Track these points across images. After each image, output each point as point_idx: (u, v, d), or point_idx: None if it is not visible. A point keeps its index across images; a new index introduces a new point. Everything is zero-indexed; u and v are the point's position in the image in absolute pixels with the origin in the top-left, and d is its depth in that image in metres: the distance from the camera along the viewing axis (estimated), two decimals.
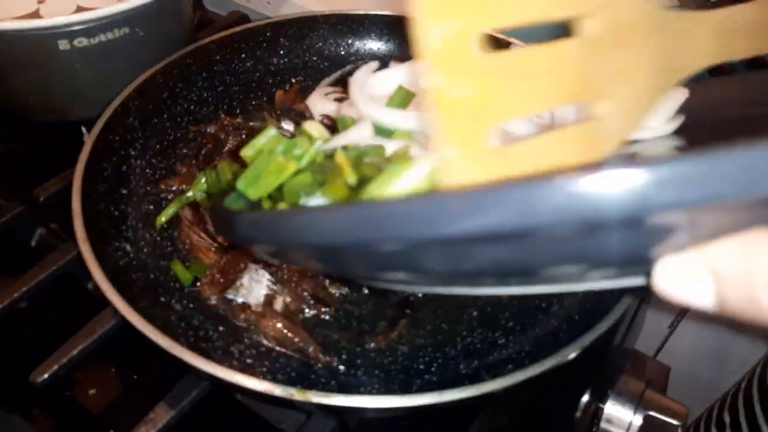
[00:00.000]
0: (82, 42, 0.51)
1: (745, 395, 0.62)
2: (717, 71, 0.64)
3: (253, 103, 0.59)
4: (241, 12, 0.74)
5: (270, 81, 0.60)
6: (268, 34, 0.59)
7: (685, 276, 0.19)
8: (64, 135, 0.58)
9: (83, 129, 0.57)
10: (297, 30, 0.60)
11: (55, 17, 0.50)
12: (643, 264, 0.20)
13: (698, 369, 0.89)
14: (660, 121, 0.41)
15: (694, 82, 0.48)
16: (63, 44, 0.51)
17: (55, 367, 0.40)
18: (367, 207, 0.21)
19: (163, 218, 0.46)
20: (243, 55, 0.58)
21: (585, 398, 0.48)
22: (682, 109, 0.41)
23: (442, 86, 0.24)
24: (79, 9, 0.52)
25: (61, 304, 0.50)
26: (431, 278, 0.25)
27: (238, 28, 0.58)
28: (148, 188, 0.50)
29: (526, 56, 0.26)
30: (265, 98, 0.59)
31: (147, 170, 0.51)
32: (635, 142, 0.41)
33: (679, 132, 0.41)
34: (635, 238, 0.18)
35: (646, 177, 0.16)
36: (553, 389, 0.45)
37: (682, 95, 0.41)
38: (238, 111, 0.58)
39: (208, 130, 0.55)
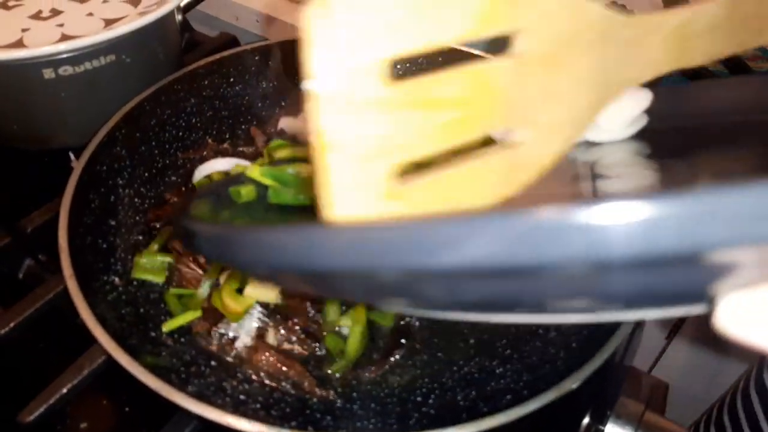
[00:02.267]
0: (67, 70, 0.51)
1: (744, 400, 0.61)
2: (694, 75, 0.65)
3: (243, 127, 0.58)
4: (230, 34, 0.73)
5: (259, 105, 0.59)
6: (257, 57, 0.58)
7: (757, 318, 0.16)
8: (50, 163, 0.57)
9: (71, 155, 0.57)
10: (287, 54, 0.59)
11: (40, 46, 0.49)
12: (700, 299, 0.18)
13: (692, 384, 0.88)
14: (616, 124, 0.40)
15: (666, 86, 0.48)
16: (48, 73, 0.50)
17: (43, 407, 0.39)
18: (360, 230, 0.18)
19: (144, 259, 0.45)
20: (232, 80, 0.58)
21: (585, 421, 0.48)
22: (650, 113, 0.40)
23: (335, 127, 0.20)
24: (64, 37, 0.52)
25: (50, 338, 0.49)
26: (438, 305, 0.23)
27: (226, 53, 0.57)
28: (137, 218, 0.49)
29: (437, 83, 0.22)
30: (254, 122, 0.59)
31: (135, 199, 0.50)
32: (592, 145, 0.40)
33: (642, 136, 0.40)
34: (688, 276, 0.16)
35: (701, 207, 0.14)
36: (553, 414, 0.45)
37: (645, 98, 0.40)
38: (227, 136, 0.57)
39: (197, 156, 0.54)
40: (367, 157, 0.21)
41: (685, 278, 0.16)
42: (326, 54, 0.19)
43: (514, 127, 0.25)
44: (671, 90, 0.47)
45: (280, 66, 0.60)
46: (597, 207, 0.15)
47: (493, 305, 0.21)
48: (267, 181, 0.37)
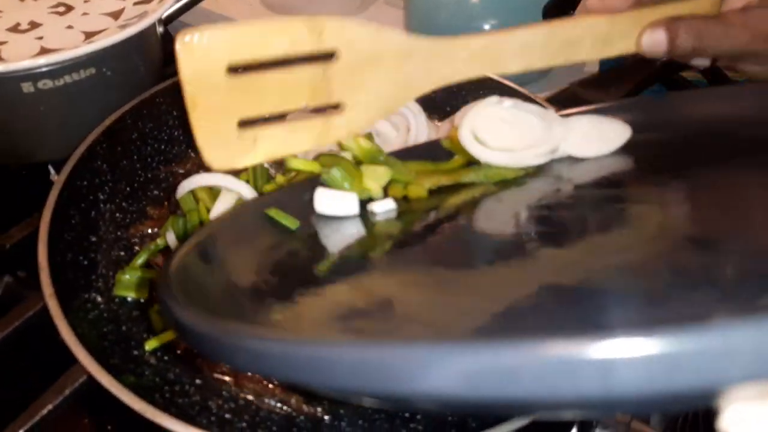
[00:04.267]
0: (46, 84, 0.50)
1: None
2: (674, 85, 0.65)
3: None
4: None
5: None
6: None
7: (759, 426, 0.16)
8: (29, 178, 0.56)
9: (51, 169, 0.56)
10: None
11: (18, 60, 0.48)
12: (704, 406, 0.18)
13: None
14: (596, 140, 0.41)
15: (650, 96, 0.48)
16: (26, 86, 0.50)
17: (23, 429, 0.38)
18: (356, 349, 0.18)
19: (126, 276, 0.44)
20: None
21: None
22: (635, 125, 0.42)
23: (192, 98, 0.35)
24: (43, 50, 0.51)
25: (30, 356, 0.48)
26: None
27: None
28: (119, 233, 0.48)
29: (269, 76, 0.36)
30: None
31: (117, 215, 0.49)
32: (576, 160, 0.41)
33: (627, 149, 0.41)
34: (695, 399, 0.17)
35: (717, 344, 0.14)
36: (542, 427, 0.45)
37: (624, 132, 0.41)
38: None
39: (179, 170, 0.54)
40: (216, 112, 0.36)
41: (691, 401, 0.17)
42: (185, 58, 0.34)
43: (329, 103, 0.38)
44: (655, 100, 0.47)
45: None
46: (607, 342, 0.14)
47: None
48: (315, 167, 0.40)
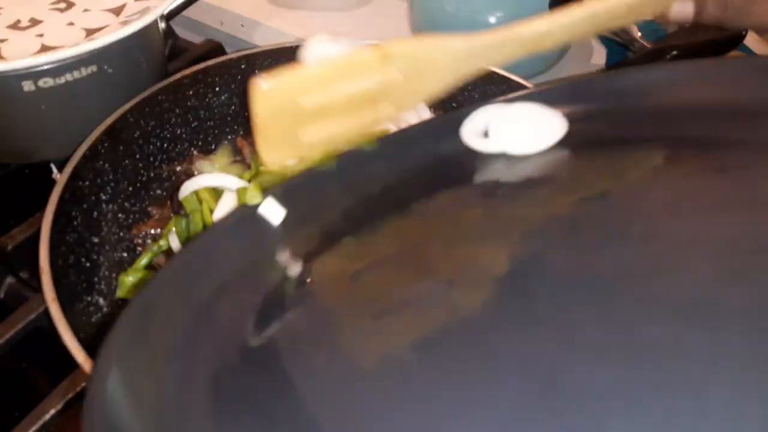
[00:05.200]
0: (47, 82, 0.49)
1: None
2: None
3: (229, 138, 0.57)
4: (214, 41, 0.72)
5: (245, 114, 0.58)
6: (243, 66, 0.57)
7: None
8: (30, 178, 0.56)
9: (52, 166, 0.55)
10: (273, 62, 0.58)
11: (19, 58, 0.48)
12: None
13: None
14: (532, 136, 0.39)
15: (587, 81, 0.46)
16: (27, 85, 0.49)
17: None
18: None
19: (130, 278, 0.43)
20: (217, 89, 0.57)
21: None
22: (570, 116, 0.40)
23: (263, 130, 0.36)
24: (44, 48, 0.50)
25: (33, 359, 0.47)
26: None
27: (212, 62, 0.56)
28: (121, 234, 0.48)
29: (335, 98, 0.37)
30: (241, 132, 0.57)
31: (119, 215, 0.49)
32: (513, 158, 0.39)
33: (566, 141, 0.39)
34: None
35: None
36: None
37: (560, 126, 0.39)
38: (213, 147, 0.56)
39: (182, 168, 0.53)
40: (281, 132, 0.37)
41: None
42: (262, 104, 0.36)
43: (378, 104, 0.39)
44: (592, 83, 0.45)
45: (265, 74, 0.58)
46: None
47: None
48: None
